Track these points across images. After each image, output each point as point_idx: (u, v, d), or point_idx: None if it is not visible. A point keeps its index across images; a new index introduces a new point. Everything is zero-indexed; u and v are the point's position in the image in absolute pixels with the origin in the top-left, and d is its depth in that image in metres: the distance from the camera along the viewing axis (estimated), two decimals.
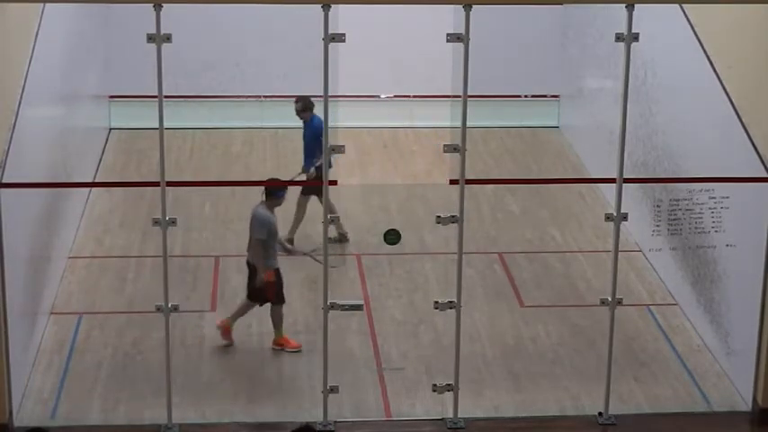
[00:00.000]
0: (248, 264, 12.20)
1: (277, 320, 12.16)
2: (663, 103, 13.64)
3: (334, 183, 10.54)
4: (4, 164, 10.56)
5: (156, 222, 10.52)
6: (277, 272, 12.14)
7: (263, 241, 12.00)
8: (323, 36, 9.97)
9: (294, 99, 14.55)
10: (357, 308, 11.20)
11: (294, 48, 17.39)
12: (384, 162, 17.21)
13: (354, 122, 16.87)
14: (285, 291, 13.33)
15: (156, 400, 10.92)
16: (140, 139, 17.30)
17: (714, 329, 12.09)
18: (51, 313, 12.66)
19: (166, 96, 10.20)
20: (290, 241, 13.94)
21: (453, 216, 10.83)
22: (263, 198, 12.16)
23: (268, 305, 12.16)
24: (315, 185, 13.84)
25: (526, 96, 18.70)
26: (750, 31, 11.16)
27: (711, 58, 12.02)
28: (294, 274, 13.65)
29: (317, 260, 12.18)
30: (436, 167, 16.41)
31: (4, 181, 10.46)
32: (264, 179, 16.26)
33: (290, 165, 16.95)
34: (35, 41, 12.07)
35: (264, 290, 12.07)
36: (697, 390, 11.52)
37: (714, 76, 11.89)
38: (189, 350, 12.02)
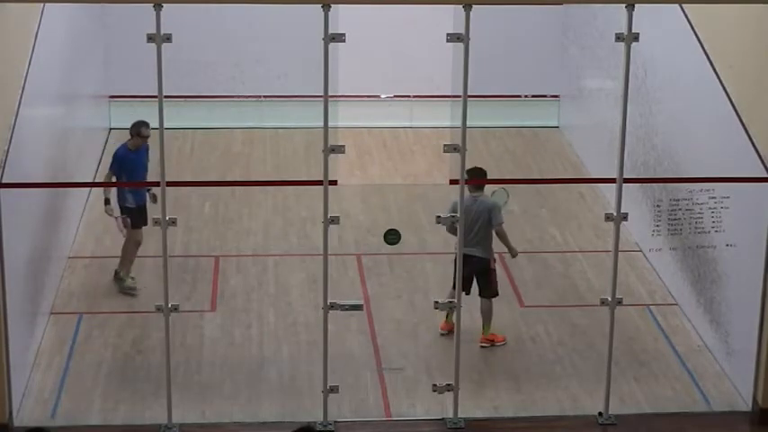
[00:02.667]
0: (471, 258, 11.76)
1: (489, 314, 12.06)
2: (663, 103, 13.64)
3: (334, 183, 10.53)
4: (4, 164, 10.56)
5: (156, 222, 10.52)
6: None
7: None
8: (323, 36, 9.97)
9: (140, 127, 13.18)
10: (357, 308, 11.20)
11: (294, 48, 17.40)
12: (384, 162, 17.21)
13: (354, 122, 16.88)
14: (285, 290, 13.36)
15: (156, 400, 10.93)
16: None
17: (714, 329, 12.09)
18: (51, 313, 12.66)
19: (166, 96, 10.20)
20: (126, 281, 13.17)
21: (453, 216, 10.82)
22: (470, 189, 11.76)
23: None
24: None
25: (526, 96, 18.70)
26: (750, 31, 11.16)
27: (711, 58, 12.02)
28: (294, 275, 13.66)
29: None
30: (436, 167, 16.41)
31: (4, 181, 10.46)
32: (265, 179, 16.34)
33: (291, 165, 16.99)
34: (35, 41, 12.07)
35: (489, 281, 12.03)
36: (697, 390, 11.52)
37: (714, 76, 11.89)
38: (189, 350, 12.02)
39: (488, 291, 12.06)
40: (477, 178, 11.75)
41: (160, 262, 10.66)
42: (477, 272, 11.99)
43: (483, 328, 12.09)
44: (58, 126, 13.84)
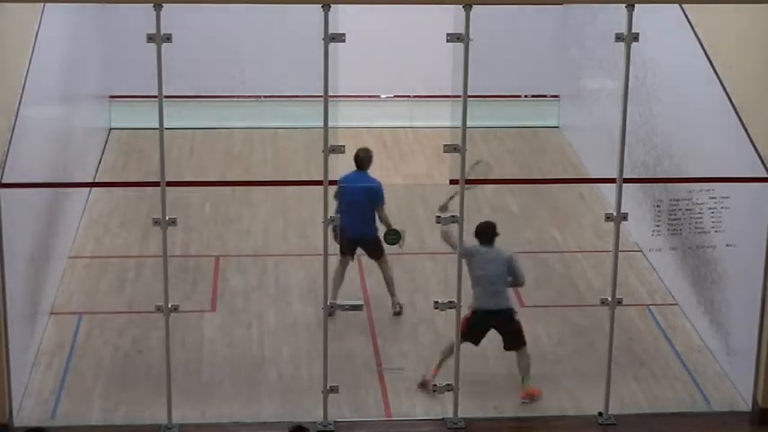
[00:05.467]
0: (501, 312, 11.23)
1: (526, 367, 11.28)
2: (663, 103, 13.64)
3: (334, 183, 10.53)
4: (4, 164, 10.56)
5: (156, 222, 10.52)
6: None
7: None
8: (323, 36, 9.97)
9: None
10: (357, 308, 11.20)
11: (294, 48, 17.39)
12: (384, 162, 17.20)
13: (354, 122, 16.88)
14: (285, 290, 13.36)
15: (156, 400, 10.93)
16: (140, 139, 17.30)
17: (714, 329, 12.09)
18: (51, 313, 12.67)
19: (166, 96, 10.21)
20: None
21: (453, 216, 10.82)
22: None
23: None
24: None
25: (526, 96, 18.71)
26: (750, 31, 11.16)
27: (711, 58, 12.02)
28: (294, 274, 13.66)
29: None
30: (436, 167, 16.41)
31: (4, 181, 10.46)
32: (264, 179, 16.33)
33: (290, 165, 16.99)
34: (35, 41, 12.07)
35: (512, 332, 11.33)
36: (697, 390, 11.52)
37: (714, 76, 11.89)
38: (189, 350, 12.02)
39: (514, 342, 11.33)
40: (486, 233, 11.34)
41: (160, 262, 10.67)
42: (498, 324, 11.33)
43: (522, 380, 11.32)
44: (57, 126, 13.84)
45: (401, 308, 12.86)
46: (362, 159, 12.76)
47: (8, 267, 10.49)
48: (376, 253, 12.81)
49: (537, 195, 15.81)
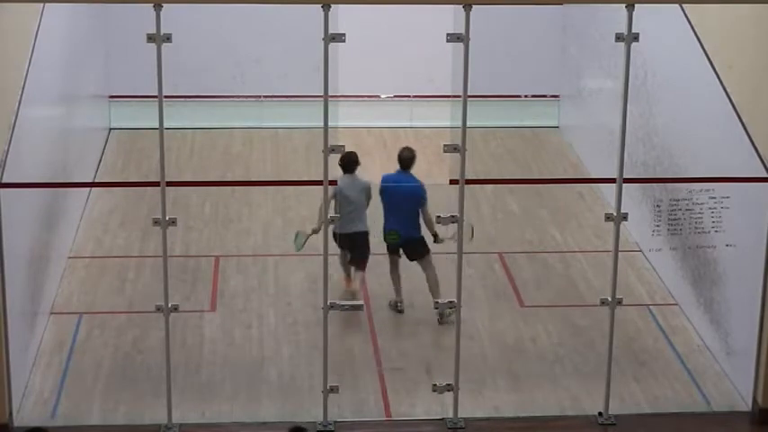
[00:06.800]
0: (356, 234, 12.76)
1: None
2: (663, 103, 13.65)
3: (334, 183, 10.54)
4: (4, 164, 10.56)
5: (156, 222, 10.52)
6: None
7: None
8: (323, 36, 9.98)
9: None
10: (357, 308, 11.20)
11: (294, 48, 17.40)
12: (384, 162, 17.18)
13: (354, 122, 16.88)
14: (285, 290, 13.35)
15: (156, 400, 10.92)
16: (140, 139, 17.30)
17: (714, 329, 12.09)
18: (51, 313, 12.67)
19: (166, 96, 10.19)
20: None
21: (453, 216, 10.82)
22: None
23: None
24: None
25: (526, 96, 18.71)
26: (750, 31, 11.16)
27: (711, 58, 12.03)
28: (294, 275, 13.66)
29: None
30: (436, 167, 16.40)
31: (4, 181, 10.46)
32: (265, 179, 16.34)
33: (290, 165, 17.00)
34: (35, 41, 12.07)
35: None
36: (697, 390, 11.52)
37: (714, 76, 11.89)
38: (189, 350, 12.03)
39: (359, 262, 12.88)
40: (350, 162, 12.68)
41: (160, 262, 10.67)
42: (352, 245, 12.79)
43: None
44: (57, 126, 13.84)
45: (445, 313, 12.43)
46: (405, 159, 12.78)
47: (8, 267, 10.48)
48: (418, 254, 12.73)
49: (537, 195, 15.81)
